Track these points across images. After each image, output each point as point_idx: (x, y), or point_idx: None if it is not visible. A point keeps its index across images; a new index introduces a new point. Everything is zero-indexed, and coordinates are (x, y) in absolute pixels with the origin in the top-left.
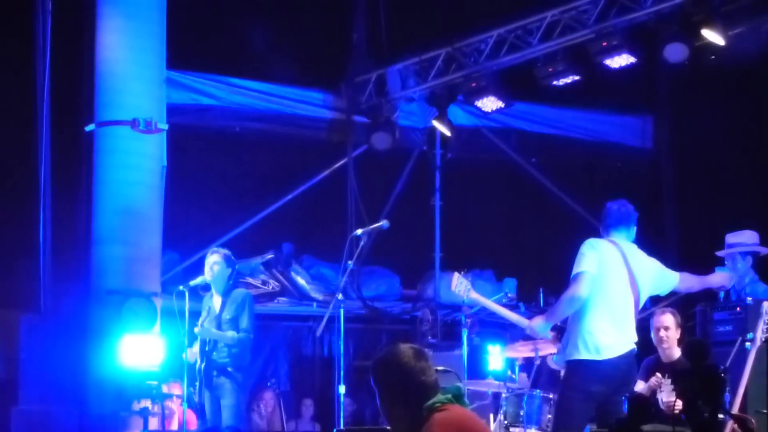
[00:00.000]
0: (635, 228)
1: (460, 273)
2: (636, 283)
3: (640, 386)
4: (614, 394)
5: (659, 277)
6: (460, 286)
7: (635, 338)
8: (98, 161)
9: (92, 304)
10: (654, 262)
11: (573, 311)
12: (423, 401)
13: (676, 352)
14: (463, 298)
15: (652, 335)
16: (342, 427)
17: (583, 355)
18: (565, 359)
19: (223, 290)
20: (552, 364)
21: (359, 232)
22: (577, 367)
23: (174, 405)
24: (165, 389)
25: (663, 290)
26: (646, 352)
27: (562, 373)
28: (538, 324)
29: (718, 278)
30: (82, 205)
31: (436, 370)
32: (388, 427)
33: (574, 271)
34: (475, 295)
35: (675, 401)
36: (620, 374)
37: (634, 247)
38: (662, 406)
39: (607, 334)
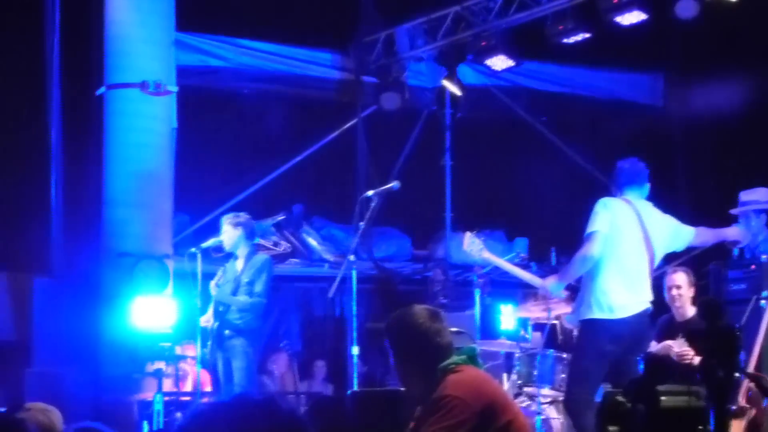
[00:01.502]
0: (648, 185)
1: (471, 233)
2: (650, 242)
3: (654, 346)
4: (628, 353)
5: (675, 234)
6: (472, 246)
7: (650, 297)
8: (108, 124)
9: (104, 266)
10: (669, 218)
11: (586, 270)
12: (438, 362)
13: (690, 311)
14: (475, 258)
15: (665, 294)
16: (355, 384)
17: (597, 314)
18: (579, 318)
19: (245, 254)
20: (566, 323)
21: (370, 193)
22: (591, 326)
23: (188, 366)
24: (179, 350)
25: (679, 246)
26: (661, 312)
27: (576, 332)
28: (552, 284)
29: (734, 231)
30: (93, 168)
31: (450, 332)
32: (401, 388)
33: (588, 230)
34: (487, 255)
35: (687, 353)
36: (634, 333)
37: (649, 205)
38: (674, 357)
39: (621, 293)
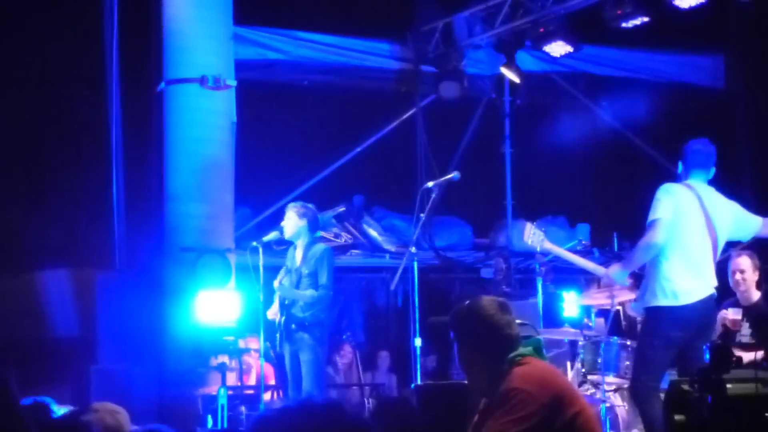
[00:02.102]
0: (714, 169)
1: (532, 223)
2: (714, 227)
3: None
4: (694, 339)
5: (739, 221)
6: (533, 236)
7: (715, 283)
8: (169, 119)
9: (167, 261)
10: (734, 205)
11: (650, 258)
12: (505, 354)
13: (755, 295)
14: (536, 249)
15: (729, 279)
16: (419, 380)
17: (662, 301)
18: (644, 306)
19: (305, 244)
20: (630, 311)
21: (430, 184)
22: (656, 313)
23: (252, 360)
24: (242, 344)
25: (745, 236)
26: (726, 297)
27: (639, 319)
28: (615, 272)
29: None
30: (154, 164)
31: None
32: (465, 381)
33: (650, 217)
34: (548, 245)
35: (738, 320)
36: (700, 319)
37: (711, 189)
38: (728, 324)
39: (685, 279)
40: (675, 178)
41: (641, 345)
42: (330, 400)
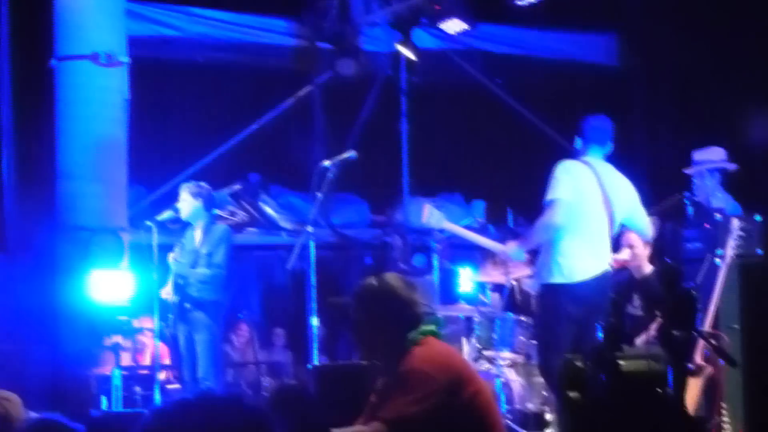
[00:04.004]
0: (611, 144)
1: (430, 204)
2: (610, 204)
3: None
4: (590, 315)
5: (634, 206)
6: (432, 217)
7: (610, 259)
8: (60, 96)
9: (60, 240)
10: (632, 188)
11: (548, 238)
12: (408, 333)
13: (647, 268)
14: (435, 229)
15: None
16: (315, 356)
17: (557, 278)
18: (540, 282)
19: (204, 224)
20: (527, 287)
21: (327, 163)
22: (551, 290)
23: (147, 339)
24: (136, 324)
25: (635, 226)
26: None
27: (535, 295)
28: (513, 249)
29: None
30: (45, 142)
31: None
32: (362, 362)
33: (549, 196)
34: (448, 225)
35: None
36: (594, 296)
37: (609, 166)
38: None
39: (581, 257)
40: (570, 154)
41: (542, 325)
42: (229, 393)
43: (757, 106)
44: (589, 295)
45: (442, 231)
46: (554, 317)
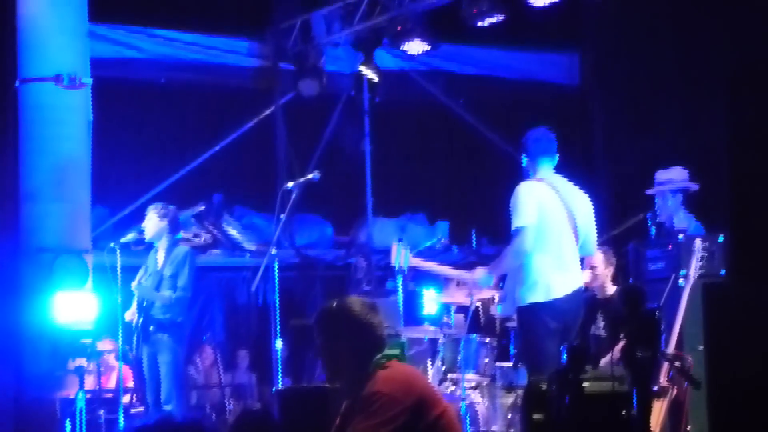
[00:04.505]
0: (558, 156)
1: (397, 243)
2: (573, 217)
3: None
4: (569, 330)
5: (591, 218)
6: (399, 257)
7: (581, 276)
8: (24, 117)
9: (23, 262)
10: (587, 198)
11: (517, 264)
12: (372, 355)
13: (610, 289)
14: (404, 267)
15: None
16: (280, 378)
17: (536, 298)
18: (517, 305)
19: (166, 246)
20: (494, 312)
21: (290, 185)
22: (531, 310)
23: (110, 361)
24: (99, 346)
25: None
26: None
27: (500, 318)
28: (481, 277)
29: None
30: (8, 163)
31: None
32: (327, 385)
33: (516, 223)
34: (415, 261)
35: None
36: (570, 312)
37: (563, 179)
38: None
39: (555, 274)
40: (523, 171)
41: (526, 346)
42: (189, 418)
43: (719, 126)
44: (567, 310)
45: (414, 271)
46: (538, 336)
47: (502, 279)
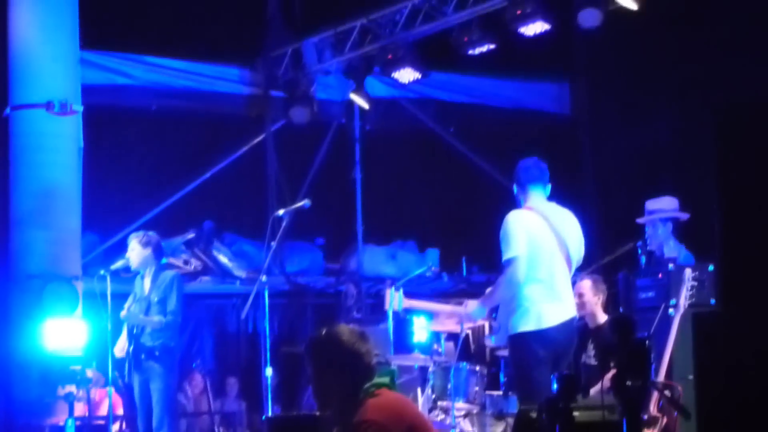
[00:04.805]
0: (550, 185)
1: (390, 288)
2: (565, 245)
3: None
4: (560, 359)
5: (581, 241)
6: (394, 301)
7: (573, 305)
8: (14, 144)
9: (13, 288)
10: (576, 221)
11: (510, 296)
12: (362, 384)
13: (601, 318)
14: (399, 312)
15: None
16: (270, 406)
17: (527, 327)
18: (509, 333)
19: (152, 272)
20: (488, 342)
21: (281, 212)
22: (522, 339)
23: (100, 389)
24: (89, 373)
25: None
26: None
27: (491, 347)
28: (474, 310)
29: None
30: None
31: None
32: (316, 413)
33: (507, 254)
34: (409, 303)
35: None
36: (562, 341)
37: (554, 205)
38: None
39: (546, 303)
40: (516, 201)
41: (518, 375)
42: None
43: (709, 155)
44: (558, 339)
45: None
46: (529, 365)
47: (495, 309)
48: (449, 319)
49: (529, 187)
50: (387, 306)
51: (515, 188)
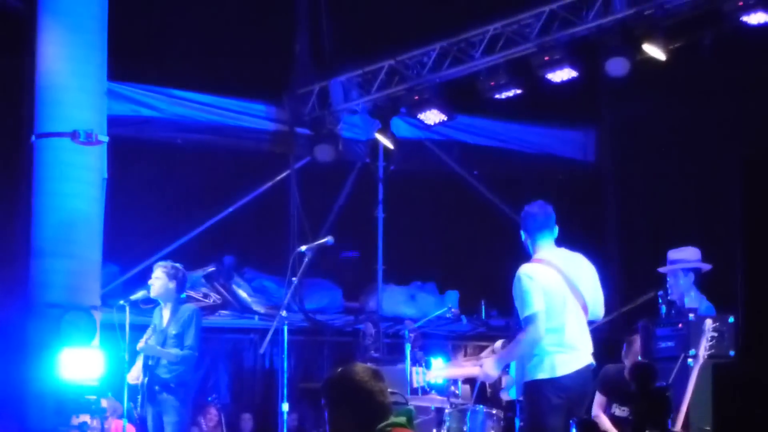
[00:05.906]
0: (557, 228)
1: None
2: (579, 293)
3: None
4: (575, 407)
5: (596, 285)
6: (418, 376)
7: (591, 350)
8: (38, 173)
9: (31, 317)
10: (590, 265)
11: (530, 353)
12: (377, 423)
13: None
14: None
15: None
16: None
17: (540, 374)
18: (524, 380)
19: (172, 304)
20: (506, 395)
21: (304, 248)
22: (535, 386)
23: (115, 420)
24: (104, 403)
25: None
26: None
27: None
28: (490, 367)
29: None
30: (21, 218)
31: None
32: None
33: (526, 312)
34: (435, 373)
35: None
36: (576, 388)
37: (564, 251)
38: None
39: (561, 353)
40: (524, 246)
41: (531, 422)
42: None
43: (733, 206)
44: (572, 387)
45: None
46: (542, 412)
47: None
48: (467, 362)
49: (538, 236)
50: (428, 377)
51: (522, 234)
